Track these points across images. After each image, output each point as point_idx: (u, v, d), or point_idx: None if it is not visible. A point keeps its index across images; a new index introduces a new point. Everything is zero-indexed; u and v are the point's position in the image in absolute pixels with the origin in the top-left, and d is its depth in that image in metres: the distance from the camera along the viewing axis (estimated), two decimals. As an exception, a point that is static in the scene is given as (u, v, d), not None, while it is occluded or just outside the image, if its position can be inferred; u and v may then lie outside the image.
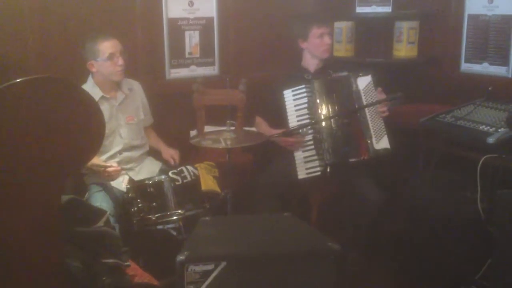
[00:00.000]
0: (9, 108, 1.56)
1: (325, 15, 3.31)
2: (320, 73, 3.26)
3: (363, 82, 3.12)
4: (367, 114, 3.10)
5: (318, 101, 3.12)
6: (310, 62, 3.35)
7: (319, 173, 3.12)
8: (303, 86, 3.17)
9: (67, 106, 1.68)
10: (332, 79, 3.16)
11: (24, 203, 1.63)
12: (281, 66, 3.75)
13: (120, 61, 3.00)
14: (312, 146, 3.15)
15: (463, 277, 2.76)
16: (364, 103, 3.09)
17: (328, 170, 3.08)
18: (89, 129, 1.73)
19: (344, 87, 3.14)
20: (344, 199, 3.26)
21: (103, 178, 2.90)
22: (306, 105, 3.16)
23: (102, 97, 3.01)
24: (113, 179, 2.92)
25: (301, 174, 3.14)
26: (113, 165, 2.91)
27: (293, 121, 3.18)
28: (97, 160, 2.92)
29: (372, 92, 3.11)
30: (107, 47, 2.95)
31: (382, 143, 3.09)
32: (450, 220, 2.77)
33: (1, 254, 1.62)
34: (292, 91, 3.19)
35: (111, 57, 2.96)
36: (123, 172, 3.04)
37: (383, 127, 3.10)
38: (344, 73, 3.16)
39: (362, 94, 3.11)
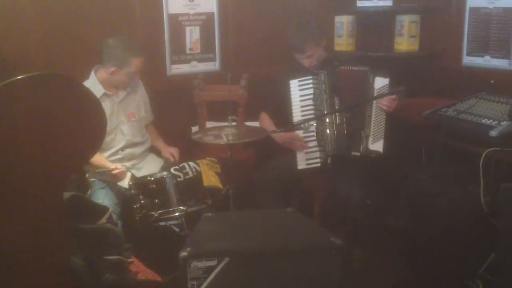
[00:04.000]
0: (10, 105, 1.56)
1: (303, 39, 3.18)
2: (326, 65, 3.24)
3: (380, 82, 3.09)
4: (373, 112, 3.09)
5: (324, 93, 3.12)
6: None
7: (319, 164, 3.12)
8: (310, 77, 3.16)
9: (68, 103, 1.68)
10: (348, 71, 3.15)
11: (26, 200, 1.63)
12: (282, 61, 3.73)
13: (137, 77, 3.06)
14: (314, 137, 3.14)
15: (467, 271, 2.75)
16: (374, 102, 3.08)
17: (329, 161, 3.08)
18: (90, 126, 1.73)
19: (360, 81, 3.12)
20: (342, 191, 3.24)
21: (110, 179, 2.91)
22: (311, 96, 3.15)
23: (104, 94, 3.01)
24: (119, 181, 2.92)
25: (301, 164, 3.14)
26: (118, 166, 2.91)
27: (297, 111, 3.17)
28: (104, 161, 2.94)
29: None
30: (139, 64, 2.99)
31: (376, 145, 3.09)
32: (453, 214, 2.76)
33: (5, 251, 1.62)
34: (299, 81, 3.18)
35: (135, 73, 3.01)
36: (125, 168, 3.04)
37: (383, 130, 3.09)
38: (365, 68, 3.14)
39: (375, 93, 3.08)
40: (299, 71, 3.24)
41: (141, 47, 3.05)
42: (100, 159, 2.93)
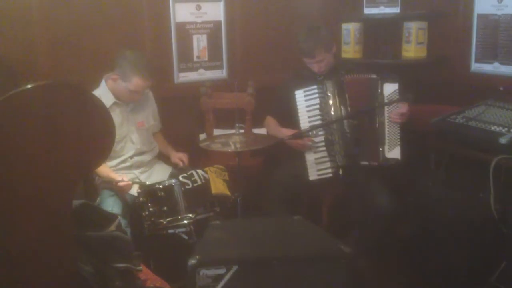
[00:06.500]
0: (20, 114, 1.56)
1: (313, 44, 3.17)
2: (332, 74, 3.23)
3: (389, 88, 3.07)
4: (386, 120, 3.07)
5: (330, 102, 3.10)
6: None
7: (330, 175, 3.11)
8: (315, 86, 3.15)
9: (77, 112, 1.68)
10: (355, 80, 3.13)
11: (35, 208, 1.63)
12: (289, 68, 3.73)
13: (136, 97, 3.03)
14: (324, 148, 3.13)
15: (477, 279, 2.73)
16: (386, 109, 3.06)
17: (341, 172, 3.06)
18: (99, 135, 1.73)
19: (368, 89, 3.10)
20: (354, 202, 3.23)
21: (115, 191, 2.90)
22: (318, 106, 3.13)
23: (115, 103, 3.02)
24: (124, 193, 2.91)
25: (312, 175, 3.12)
26: (124, 179, 2.90)
27: (304, 121, 3.15)
28: (110, 172, 2.93)
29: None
30: (138, 85, 2.95)
31: (393, 152, 3.06)
32: (463, 222, 2.74)
33: (14, 260, 1.62)
34: (304, 91, 3.16)
35: (133, 92, 2.98)
36: (134, 176, 3.05)
37: (398, 136, 3.07)
38: (373, 75, 3.12)
39: (386, 100, 3.07)
40: (305, 80, 3.23)
41: (150, 71, 2.99)
42: (105, 170, 2.92)
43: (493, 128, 2.78)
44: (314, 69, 3.23)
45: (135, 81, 2.94)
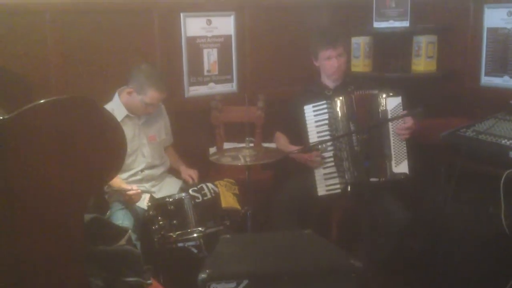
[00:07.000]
0: (32, 129, 1.58)
1: (335, 35, 3.23)
2: (341, 89, 3.23)
3: (393, 102, 3.06)
4: (391, 134, 3.07)
5: (339, 117, 3.11)
6: (327, 80, 3.33)
7: (339, 190, 3.10)
8: (324, 102, 3.14)
9: (89, 126, 1.69)
10: (360, 96, 3.12)
11: (47, 223, 1.64)
12: (299, 82, 3.75)
13: (151, 110, 3.07)
14: (333, 163, 3.12)
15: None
16: (390, 124, 3.06)
17: (349, 189, 3.06)
18: (110, 149, 1.74)
19: (372, 105, 3.10)
20: (363, 217, 3.21)
21: (125, 200, 2.92)
22: (326, 121, 3.13)
23: (127, 116, 3.04)
24: (134, 202, 2.92)
25: (321, 190, 3.12)
26: (133, 188, 2.91)
27: (313, 137, 3.14)
28: (120, 183, 2.94)
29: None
30: (153, 97, 2.99)
31: (401, 167, 3.05)
32: (474, 236, 2.72)
33: (25, 274, 1.63)
34: (313, 106, 3.15)
35: (149, 104, 3.01)
36: (144, 189, 3.06)
37: (405, 150, 3.05)
38: (375, 91, 3.11)
39: (389, 115, 3.06)
40: (314, 95, 3.23)
41: (165, 85, 3.04)
42: (116, 180, 2.93)
43: (503, 141, 2.78)
44: (333, 65, 3.20)
45: (151, 94, 2.97)
